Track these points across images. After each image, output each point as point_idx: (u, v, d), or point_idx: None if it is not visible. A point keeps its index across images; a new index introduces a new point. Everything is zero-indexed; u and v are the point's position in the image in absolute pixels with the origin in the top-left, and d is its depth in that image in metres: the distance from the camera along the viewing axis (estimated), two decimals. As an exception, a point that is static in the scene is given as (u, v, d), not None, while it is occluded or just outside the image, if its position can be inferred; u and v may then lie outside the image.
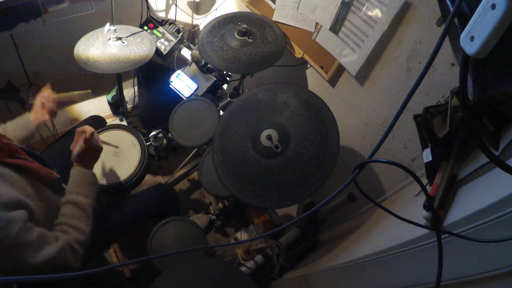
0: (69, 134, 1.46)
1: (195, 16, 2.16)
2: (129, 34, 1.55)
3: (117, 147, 1.49)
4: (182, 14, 2.10)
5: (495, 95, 0.74)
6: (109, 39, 1.47)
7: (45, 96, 1.28)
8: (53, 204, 1.02)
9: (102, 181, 1.42)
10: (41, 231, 0.88)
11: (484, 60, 0.42)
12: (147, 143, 1.56)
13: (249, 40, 1.44)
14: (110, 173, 1.45)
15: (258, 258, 1.38)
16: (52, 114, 1.30)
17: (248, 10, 1.74)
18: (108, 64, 1.42)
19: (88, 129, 1.12)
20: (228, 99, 1.59)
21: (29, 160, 0.99)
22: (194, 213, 2.04)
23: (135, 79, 2.14)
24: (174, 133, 1.52)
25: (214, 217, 1.77)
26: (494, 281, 0.60)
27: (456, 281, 0.67)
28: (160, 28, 1.79)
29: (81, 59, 1.42)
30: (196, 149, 1.92)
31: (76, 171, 1.10)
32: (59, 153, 1.40)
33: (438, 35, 0.40)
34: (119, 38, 1.48)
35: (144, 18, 1.85)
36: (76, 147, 1.10)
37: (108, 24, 1.47)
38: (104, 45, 1.47)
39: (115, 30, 1.46)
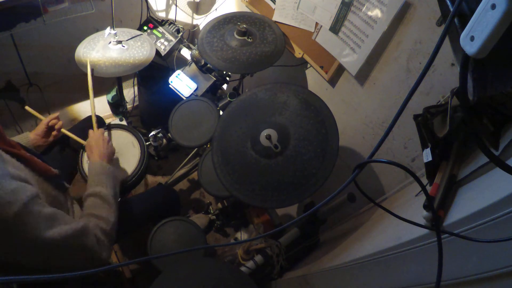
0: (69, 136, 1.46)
1: (195, 16, 2.16)
2: (130, 38, 1.56)
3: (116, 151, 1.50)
4: (182, 14, 2.10)
5: (495, 95, 0.74)
6: (110, 42, 1.48)
7: (53, 123, 1.31)
8: (54, 199, 1.02)
9: None
10: (59, 211, 0.86)
11: (484, 60, 0.42)
12: (147, 143, 1.56)
13: (249, 40, 1.44)
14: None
15: (258, 258, 1.38)
16: (55, 139, 1.35)
17: (248, 10, 1.74)
18: (108, 67, 1.43)
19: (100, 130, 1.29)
20: (228, 99, 1.59)
21: (27, 155, 0.99)
22: (194, 213, 2.04)
23: (135, 79, 2.14)
24: (174, 133, 1.52)
25: (214, 217, 1.77)
26: (494, 281, 0.60)
27: (456, 281, 0.67)
28: (160, 28, 1.79)
29: (82, 63, 1.42)
30: (196, 149, 1.92)
31: (92, 164, 1.16)
32: (59, 154, 1.40)
33: (438, 35, 0.40)
34: (120, 42, 1.49)
35: (144, 18, 1.85)
36: (92, 140, 1.23)
37: (108, 28, 1.47)
38: (105, 49, 1.47)
39: (115, 33, 1.47)
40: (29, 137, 1.27)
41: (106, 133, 1.48)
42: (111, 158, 1.25)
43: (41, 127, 1.30)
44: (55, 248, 0.82)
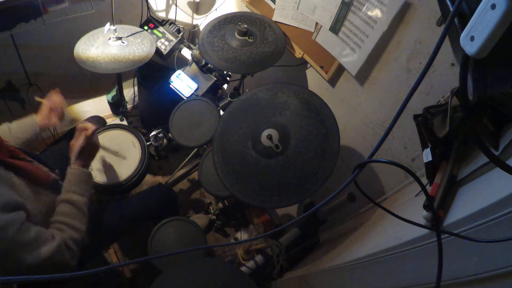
0: (69, 134, 1.46)
1: (195, 16, 2.16)
2: (129, 34, 1.55)
3: (116, 152, 1.49)
4: (182, 14, 2.10)
5: (495, 95, 0.74)
6: (109, 39, 1.47)
7: (55, 100, 1.29)
8: (52, 206, 1.02)
9: (102, 180, 1.42)
10: (38, 230, 0.88)
11: (484, 60, 0.42)
12: (147, 143, 1.56)
13: (250, 40, 1.44)
14: (110, 173, 1.45)
15: (258, 258, 1.38)
16: (61, 118, 1.32)
17: (248, 10, 1.74)
18: (107, 64, 1.42)
19: (90, 126, 1.13)
20: (228, 99, 1.59)
21: (28, 160, 0.99)
22: (194, 213, 2.04)
23: (135, 79, 2.14)
24: (174, 133, 1.52)
25: (214, 217, 1.77)
26: (494, 281, 0.60)
27: (456, 281, 0.67)
28: (161, 28, 1.79)
29: (80, 59, 1.42)
30: (196, 149, 1.92)
31: (73, 170, 1.09)
32: (60, 153, 1.40)
33: (438, 35, 0.40)
34: (119, 38, 1.48)
35: (144, 18, 1.85)
36: (76, 143, 1.10)
37: (108, 24, 1.47)
38: (104, 45, 1.47)
39: (115, 30, 1.46)
40: (35, 119, 1.26)
41: (109, 135, 1.48)
42: (92, 160, 1.19)
43: (44, 108, 1.28)
44: (36, 269, 0.85)
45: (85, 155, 1.12)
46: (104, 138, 1.52)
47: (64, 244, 0.93)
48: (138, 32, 1.58)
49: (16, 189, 0.89)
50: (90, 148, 1.13)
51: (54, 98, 1.29)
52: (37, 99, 1.35)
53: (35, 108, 1.38)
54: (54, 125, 1.31)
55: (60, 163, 1.22)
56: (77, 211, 1.03)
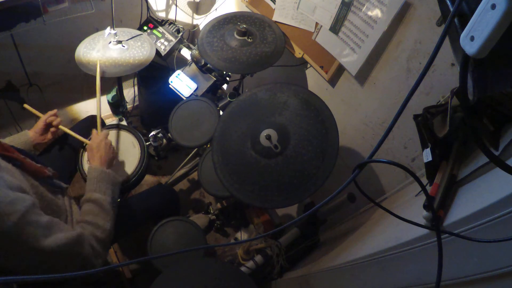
0: (68, 134, 1.46)
1: (195, 16, 2.16)
2: (129, 38, 1.56)
3: (116, 152, 1.49)
4: (182, 14, 2.10)
5: (495, 95, 0.74)
6: (110, 42, 1.48)
7: (51, 119, 1.30)
8: (50, 204, 1.01)
9: None
10: (55, 219, 0.87)
11: (484, 60, 0.42)
12: (147, 143, 1.56)
13: (249, 40, 1.44)
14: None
15: (258, 258, 1.38)
16: (54, 136, 1.33)
17: (248, 10, 1.74)
18: (108, 67, 1.43)
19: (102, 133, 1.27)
20: (228, 99, 1.59)
21: (21, 157, 0.99)
22: (194, 213, 2.04)
23: (135, 79, 2.14)
24: (174, 133, 1.52)
25: (214, 217, 1.77)
26: (494, 281, 0.60)
27: (456, 281, 0.67)
28: (160, 28, 1.79)
29: (82, 62, 1.43)
30: (196, 149, 1.92)
31: (91, 170, 1.14)
32: (59, 153, 1.40)
33: (438, 35, 0.40)
34: (120, 42, 1.49)
35: (144, 18, 1.85)
36: (93, 144, 1.21)
37: (108, 28, 1.47)
38: (105, 49, 1.48)
39: (115, 33, 1.47)
40: (28, 135, 1.26)
41: (109, 135, 1.48)
42: (112, 163, 1.24)
43: (39, 125, 1.28)
44: (51, 256, 0.82)
45: (104, 156, 1.19)
46: None
47: (85, 239, 0.91)
48: (138, 35, 1.58)
49: (18, 179, 0.88)
50: (108, 150, 1.22)
51: (50, 118, 1.30)
52: (26, 107, 1.35)
53: (34, 107, 1.38)
54: (47, 141, 1.32)
55: (59, 163, 1.21)
56: (99, 209, 1.03)
